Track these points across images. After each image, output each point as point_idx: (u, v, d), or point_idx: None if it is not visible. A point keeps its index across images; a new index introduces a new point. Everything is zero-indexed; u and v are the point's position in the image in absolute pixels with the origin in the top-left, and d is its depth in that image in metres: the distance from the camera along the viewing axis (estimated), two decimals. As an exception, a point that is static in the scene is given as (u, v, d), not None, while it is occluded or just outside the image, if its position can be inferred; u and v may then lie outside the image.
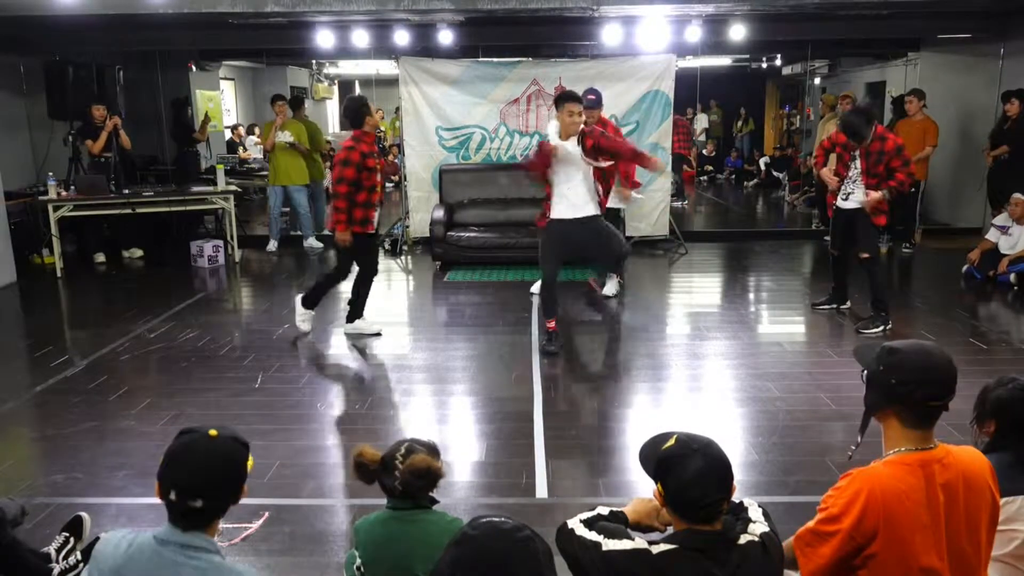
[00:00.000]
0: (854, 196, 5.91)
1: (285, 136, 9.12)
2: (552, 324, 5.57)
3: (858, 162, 5.85)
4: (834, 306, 6.46)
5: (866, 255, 5.96)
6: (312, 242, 9.59)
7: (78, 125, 8.77)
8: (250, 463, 1.90)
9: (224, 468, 1.82)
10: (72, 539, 3.04)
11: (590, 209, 5.34)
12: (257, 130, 14.71)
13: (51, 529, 3.21)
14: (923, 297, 7.52)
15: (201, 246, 8.68)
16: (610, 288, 7.07)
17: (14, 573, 2.64)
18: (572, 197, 5.28)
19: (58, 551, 2.94)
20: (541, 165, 5.25)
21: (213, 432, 1.84)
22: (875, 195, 5.73)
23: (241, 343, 5.96)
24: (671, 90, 8.94)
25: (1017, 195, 7.36)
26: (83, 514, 3.15)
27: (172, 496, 1.77)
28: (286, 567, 3.09)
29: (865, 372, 2.07)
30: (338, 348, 5.95)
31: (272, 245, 9.42)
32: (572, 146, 5.21)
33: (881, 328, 5.93)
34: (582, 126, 5.20)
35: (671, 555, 1.81)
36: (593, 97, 6.50)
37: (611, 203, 6.82)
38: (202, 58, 12.45)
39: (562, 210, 5.32)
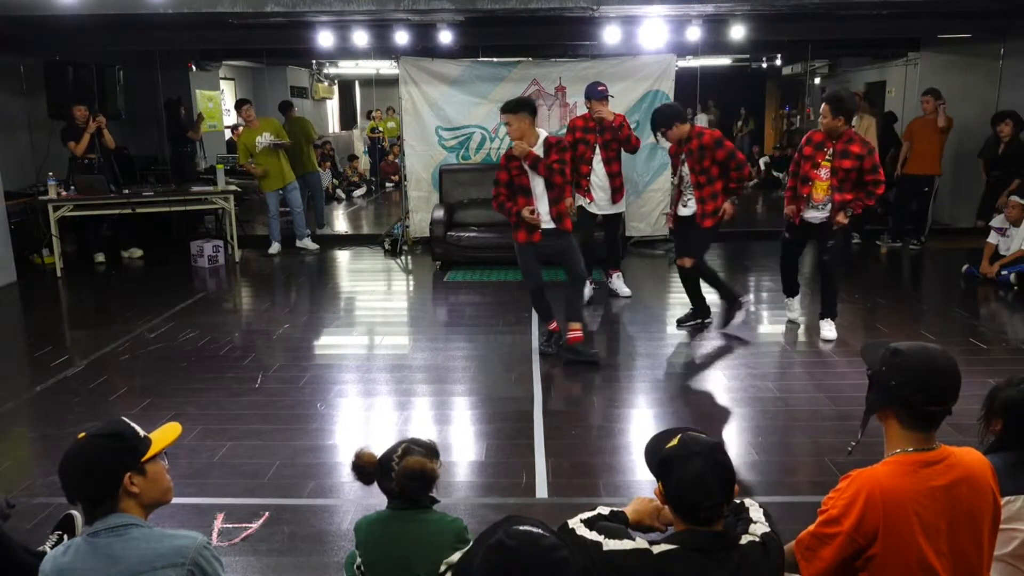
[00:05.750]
0: (691, 203, 5.79)
1: (266, 139, 9.00)
2: (554, 325, 5.55)
3: (686, 165, 5.75)
4: (698, 320, 6.12)
5: (688, 261, 5.83)
6: (307, 242, 9.53)
7: (61, 126, 8.66)
8: (167, 434, 2.04)
9: (86, 468, 1.91)
10: (66, 537, 3.03)
11: (550, 223, 5.24)
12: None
13: (51, 529, 3.20)
14: (923, 297, 7.53)
15: (201, 246, 8.68)
16: (622, 288, 7.05)
17: (4, 567, 2.63)
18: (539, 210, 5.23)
19: (52, 549, 2.93)
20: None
21: (81, 435, 1.95)
22: (728, 207, 5.70)
23: (241, 343, 5.96)
24: (671, 90, 8.94)
25: (1015, 198, 7.38)
26: (75, 512, 3.14)
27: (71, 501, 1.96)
28: (286, 567, 3.08)
29: (869, 371, 2.07)
30: (337, 348, 5.95)
31: (275, 247, 9.36)
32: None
33: (730, 315, 5.95)
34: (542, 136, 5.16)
35: (672, 555, 1.81)
36: (603, 88, 6.50)
37: (614, 208, 6.81)
38: (202, 58, 12.46)
39: None
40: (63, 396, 4.88)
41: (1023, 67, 9.17)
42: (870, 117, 9.42)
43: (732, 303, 5.96)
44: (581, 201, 6.70)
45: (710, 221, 5.73)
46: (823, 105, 5.44)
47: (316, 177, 10.39)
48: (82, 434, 1.95)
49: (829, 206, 5.52)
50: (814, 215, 5.62)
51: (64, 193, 8.19)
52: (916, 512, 1.89)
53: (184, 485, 3.62)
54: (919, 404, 1.94)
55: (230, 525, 3.34)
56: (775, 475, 3.79)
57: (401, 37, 9.04)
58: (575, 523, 2.00)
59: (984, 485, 1.97)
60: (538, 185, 5.18)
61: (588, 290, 6.87)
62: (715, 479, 1.82)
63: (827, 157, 5.46)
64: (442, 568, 2.20)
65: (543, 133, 5.21)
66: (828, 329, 5.79)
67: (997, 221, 7.58)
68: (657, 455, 1.92)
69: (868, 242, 9.50)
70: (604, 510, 2.13)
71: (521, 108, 5.12)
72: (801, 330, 6.10)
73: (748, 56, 14.83)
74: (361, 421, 4.60)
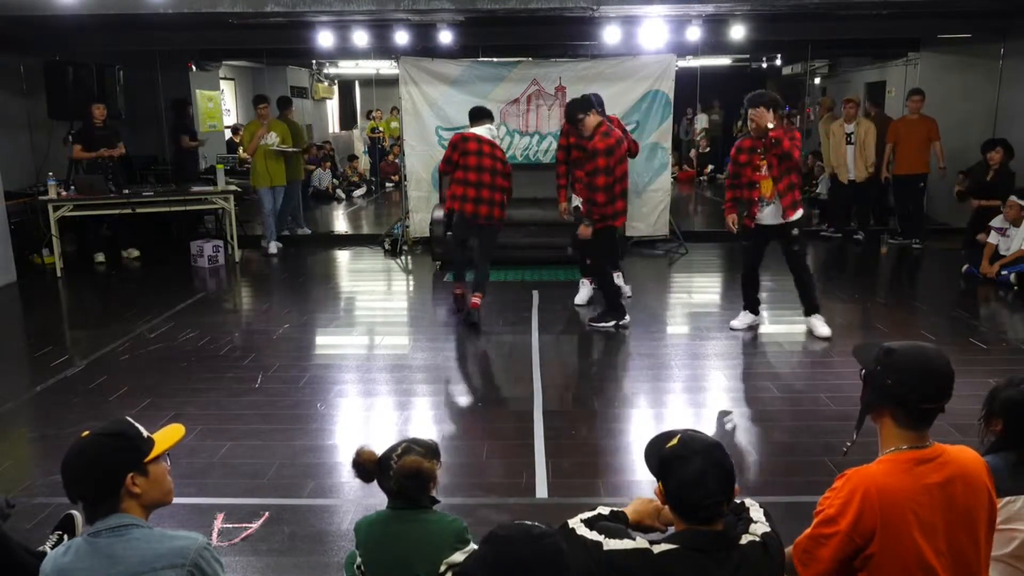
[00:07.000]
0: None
1: (272, 139, 9.01)
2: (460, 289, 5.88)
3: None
4: (627, 299, 6.28)
5: (589, 261, 6.25)
6: (272, 246, 9.34)
7: (78, 126, 8.68)
8: (170, 435, 2.03)
9: (88, 466, 1.90)
10: (66, 537, 3.03)
11: None
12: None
13: (51, 529, 3.20)
14: (923, 297, 7.53)
15: (201, 246, 8.68)
16: (622, 288, 7.05)
17: (4, 567, 2.63)
18: None
19: (52, 549, 2.93)
20: None
21: (85, 433, 1.94)
22: (584, 231, 5.88)
23: (241, 343, 5.96)
24: (671, 90, 8.94)
25: (1013, 198, 7.37)
26: (75, 512, 3.13)
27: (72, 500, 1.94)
28: (286, 567, 3.08)
29: (863, 371, 2.07)
30: (337, 348, 5.95)
31: (274, 247, 9.35)
32: None
33: (613, 323, 6.07)
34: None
35: (672, 555, 1.82)
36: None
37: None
38: (202, 58, 12.46)
39: None
40: (63, 396, 4.88)
41: (1023, 67, 9.16)
42: (868, 121, 9.40)
43: (615, 310, 6.08)
44: (578, 202, 6.69)
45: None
46: (761, 110, 5.39)
47: (297, 185, 10.26)
48: (86, 432, 1.94)
49: (777, 200, 5.58)
50: (767, 216, 5.66)
51: (64, 193, 8.19)
52: (913, 510, 1.88)
53: (184, 485, 3.62)
54: (915, 402, 1.94)
55: (230, 525, 3.34)
56: (775, 475, 3.79)
57: (401, 37, 9.05)
58: (575, 523, 2.00)
59: (979, 482, 1.97)
60: None
61: (588, 290, 6.87)
62: (715, 479, 1.82)
63: (761, 156, 5.55)
64: (442, 568, 2.20)
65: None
66: (819, 325, 5.78)
67: (997, 221, 7.57)
68: (657, 455, 1.93)
69: (871, 242, 9.51)
70: (604, 510, 2.13)
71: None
72: (801, 330, 6.10)
73: (748, 56, 14.84)
74: (361, 421, 4.60)
